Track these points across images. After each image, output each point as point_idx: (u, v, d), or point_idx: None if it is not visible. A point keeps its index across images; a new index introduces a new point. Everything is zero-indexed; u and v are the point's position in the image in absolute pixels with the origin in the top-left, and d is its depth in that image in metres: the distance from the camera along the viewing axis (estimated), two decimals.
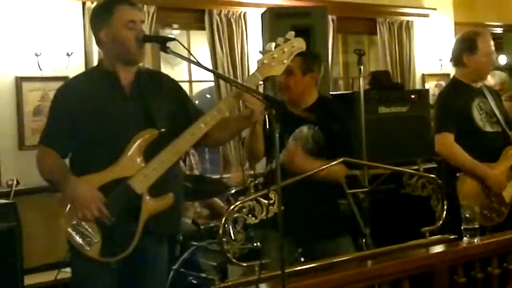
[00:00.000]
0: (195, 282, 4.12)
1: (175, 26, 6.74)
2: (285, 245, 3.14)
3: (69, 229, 2.59)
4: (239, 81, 5.58)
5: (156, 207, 2.67)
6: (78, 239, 2.59)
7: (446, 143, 3.81)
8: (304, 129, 3.39)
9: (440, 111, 3.97)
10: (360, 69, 3.42)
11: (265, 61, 2.72)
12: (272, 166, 2.46)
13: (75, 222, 2.59)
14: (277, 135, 2.40)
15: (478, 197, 3.75)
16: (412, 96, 5.62)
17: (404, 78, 7.58)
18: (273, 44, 2.76)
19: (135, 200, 2.62)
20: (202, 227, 4.37)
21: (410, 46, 7.69)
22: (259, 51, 2.83)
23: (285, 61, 2.75)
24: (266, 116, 2.62)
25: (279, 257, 2.45)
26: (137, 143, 2.64)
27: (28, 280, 4.44)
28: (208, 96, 8.32)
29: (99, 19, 2.75)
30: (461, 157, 3.78)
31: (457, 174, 3.77)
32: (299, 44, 2.80)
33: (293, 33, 2.79)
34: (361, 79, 3.47)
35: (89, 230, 2.59)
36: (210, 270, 4.13)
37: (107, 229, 2.60)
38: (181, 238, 4.21)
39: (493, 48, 3.96)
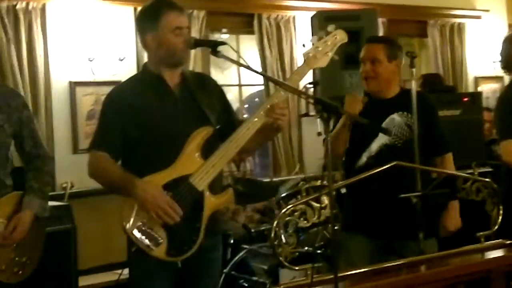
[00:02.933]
0: (246, 285, 4.13)
1: (224, 30, 6.77)
2: (359, 243, 3.22)
3: (135, 231, 2.59)
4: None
5: (217, 203, 2.70)
6: (145, 240, 2.59)
7: None
8: (395, 116, 3.37)
9: (503, 117, 3.77)
10: (412, 71, 3.37)
11: (310, 54, 2.80)
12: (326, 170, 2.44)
13: (140, 223, 2.59)
14: (329, 138, 2.41)
15: None
16: (465, 99, 5.51)
17: (456, 81, 7.47)
18: (316, 38, 2.84)
19: (197, 198, 2.64)
20: (253, 230, 4.37)
21: (462, 49, 7.58)
22: (303, 45, 2.90)
23: (329, 53, 2.83)
24: (318, 119, 2.61)
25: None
26: (195, 140, 2.67)
27: (83, 281, 4.52)
28: (257, 100, 8.35)
29: (146, 23, 2.78)
30: None
31: None
32: (341, 36, 2.88)
33: (333, 26, 2.87)
34: (413, 82, 3.41)
35: (154, 230, 2.60)
36: (261, 273, 4.13)
37: (171, 228, 2.60)
38: (232, 241, 4.22)
39: None
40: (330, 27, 2.85)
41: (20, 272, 2.93)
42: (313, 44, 2.82)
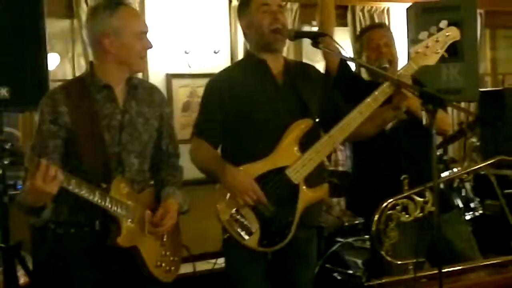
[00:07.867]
0: (339, 278, 4.11)
1: (314, 23, 6.72)
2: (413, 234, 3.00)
3: (228, 219, 2.62)
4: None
5: (312, 197, 2.69)
6: (237, 228, 2.62)
7: None
8: None
9: None
10: None
11: (419, 51, 2.72)
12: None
13: (234, 212, 2.62)
14: (434, 132, 2.34)
15: None
16: None
17: None
18: (426, 33, 2.75)
19: (292, 190, 2.63)
20: (346, 224, 4.34)
21: None
22: (412, 40, 2.81)
23: (439, 50, 2.73)
24: (424, 111, 2.54)
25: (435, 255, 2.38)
26: (294, 132, 2.66)
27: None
28: None
29: (240, 10, 2.85)
30: None
31: None
32: (453, 33, 2.79)
33: (446, 22, 2.76)
34: None
35: (248, 219, 2.62)
36: (355, 267, 4.10)
37: (265, 219, 2.62)
38: (326, 234, 4.21)
39: None
40: (443, 23, 2.76)
41: (173, 268, 2.66)
42: (421, 40, 2.73)
